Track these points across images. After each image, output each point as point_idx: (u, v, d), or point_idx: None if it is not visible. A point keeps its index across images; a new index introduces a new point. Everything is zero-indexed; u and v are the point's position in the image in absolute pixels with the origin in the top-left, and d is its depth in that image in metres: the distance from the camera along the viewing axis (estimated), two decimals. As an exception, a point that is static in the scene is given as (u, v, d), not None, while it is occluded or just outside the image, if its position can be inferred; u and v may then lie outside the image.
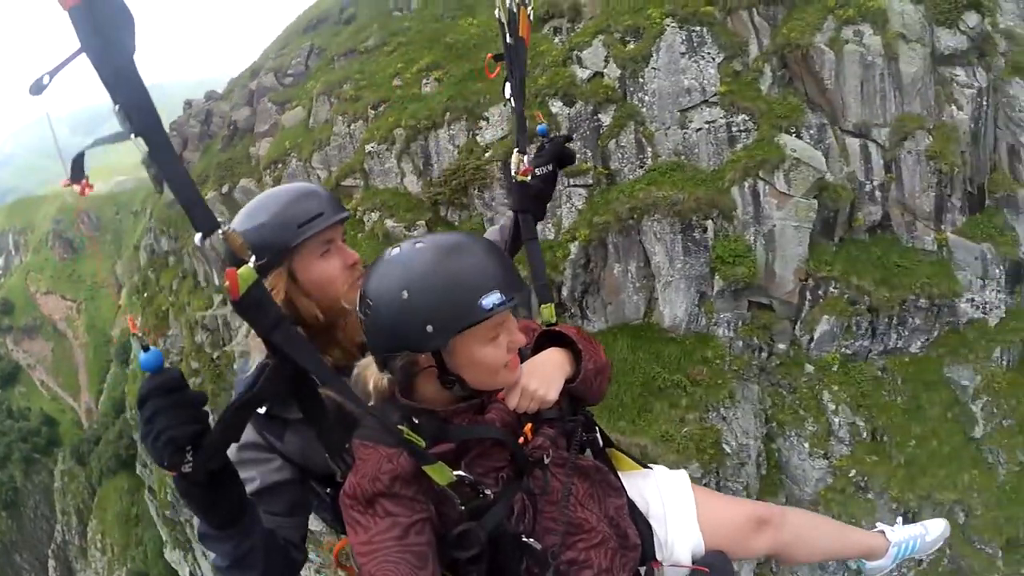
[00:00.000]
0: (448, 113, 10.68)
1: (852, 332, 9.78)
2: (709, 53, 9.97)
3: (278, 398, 1.05)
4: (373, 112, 11.90)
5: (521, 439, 1.17)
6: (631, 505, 1.33)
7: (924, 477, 9.57)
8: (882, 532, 1.79)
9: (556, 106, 9.93)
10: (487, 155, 10.45)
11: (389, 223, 10.80)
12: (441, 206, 10.85)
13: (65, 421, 44.60)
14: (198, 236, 0.81)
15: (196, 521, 1.01)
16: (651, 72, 9.86)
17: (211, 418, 0.85)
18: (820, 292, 9.69)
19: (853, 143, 9.96)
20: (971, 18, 10.24)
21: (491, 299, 1.03)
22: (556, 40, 10.85)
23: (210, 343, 14.35)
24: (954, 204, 10.15)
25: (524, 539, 1.12)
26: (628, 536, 1.26)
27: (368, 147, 11.38)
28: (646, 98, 9.88)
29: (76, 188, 0.75)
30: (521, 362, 1.21)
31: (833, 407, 9.74)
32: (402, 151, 11.19)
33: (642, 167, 9.86)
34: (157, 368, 0.81)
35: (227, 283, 0.82)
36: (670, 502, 1.38)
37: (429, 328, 1.02)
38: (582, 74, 10.09)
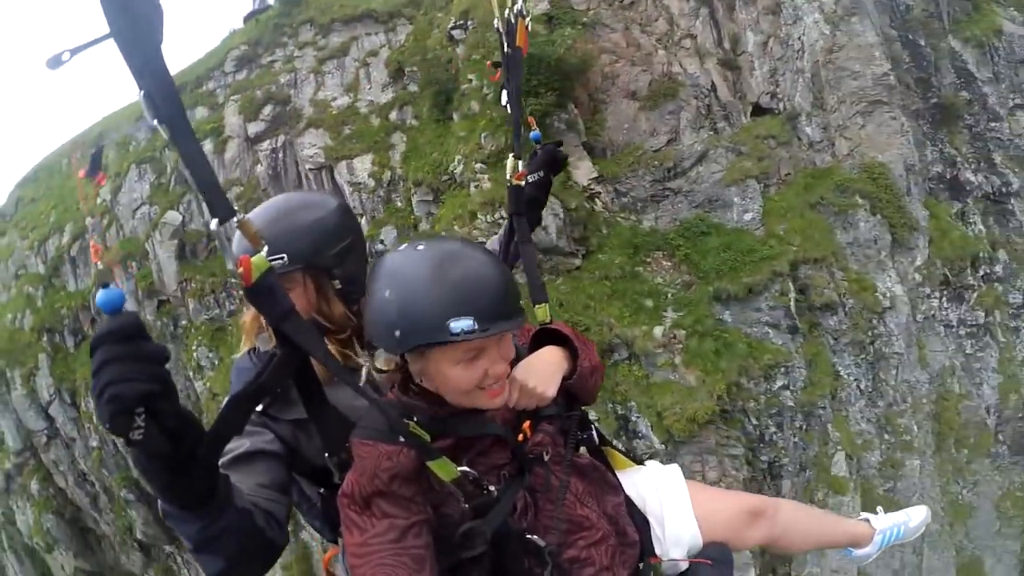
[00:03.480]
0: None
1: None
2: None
3: (280, 399, 1.16)
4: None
5: (520, 436, 1.21)
6: (628, 502, 1.39)
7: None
8: (867, 520, 1.89)
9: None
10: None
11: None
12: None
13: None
14: (214, 222, 0.84)
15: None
16: (118, 205, 18.23)
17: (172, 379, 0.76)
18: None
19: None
20: (267, 109, 16.47)
21: (460, 324, 1.04)
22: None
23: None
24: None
25: (527, 536, 1.16)
26: (627, 533, 1.31)
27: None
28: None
29: (92, 180, 0.81)
30: (518, 360, 1.24)
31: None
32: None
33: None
34: (115, 309, 0.73)
35: (240, 269, 0.85)
36: (666, 498, 1.44)
37: (396, 333, 1.07)
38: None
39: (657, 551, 1.37)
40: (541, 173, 1.67)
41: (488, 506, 1.13)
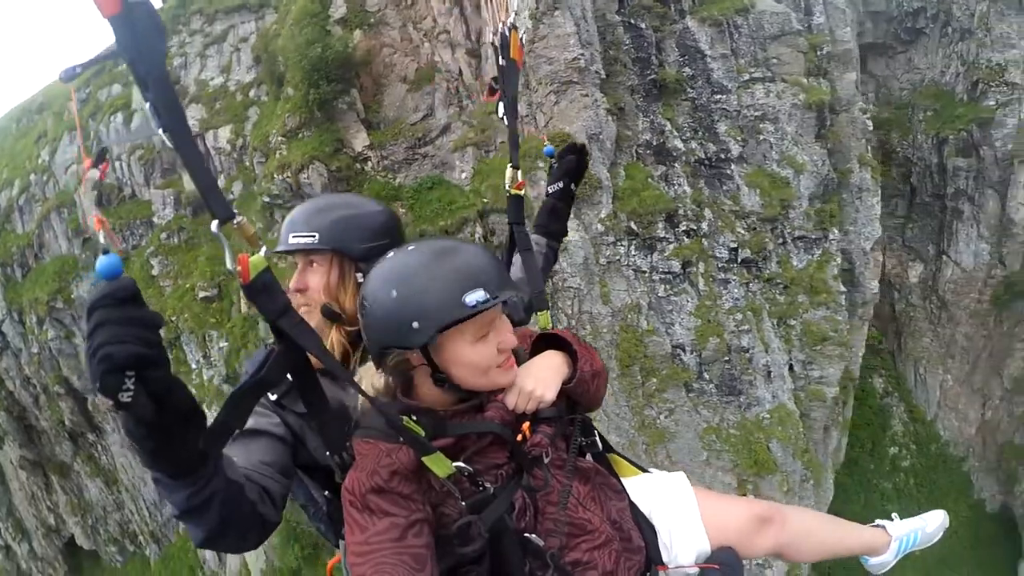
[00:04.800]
0: None
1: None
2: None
3: (292, 391, 1.18)
4: None
5: (519, 436, 1.24)
6: (633, 508, 1.40)
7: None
8: (883, 527, 1.87)
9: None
10: None
11: None
12: None
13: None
14: (215, 223, 0.88)
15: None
16: (55, 164, 22.92)
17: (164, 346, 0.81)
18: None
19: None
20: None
21: (474, 297, 1.11)
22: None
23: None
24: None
25: (526, 535, 1.18)
26: (632, 538, 1.32)
27: None
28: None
29: (95, 171, 0.85)
30: (518, 365, 1.29)
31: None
32: None
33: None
34: (113, 275, 0.77)
35: (239, 268, 0.90)
36: (673, 505, 1.45)
37: (415, 324, 1.11)
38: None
39: (664, 559, 1.39)
40: (561, 184, 1.74)
41: (485, 503, 1.17)
